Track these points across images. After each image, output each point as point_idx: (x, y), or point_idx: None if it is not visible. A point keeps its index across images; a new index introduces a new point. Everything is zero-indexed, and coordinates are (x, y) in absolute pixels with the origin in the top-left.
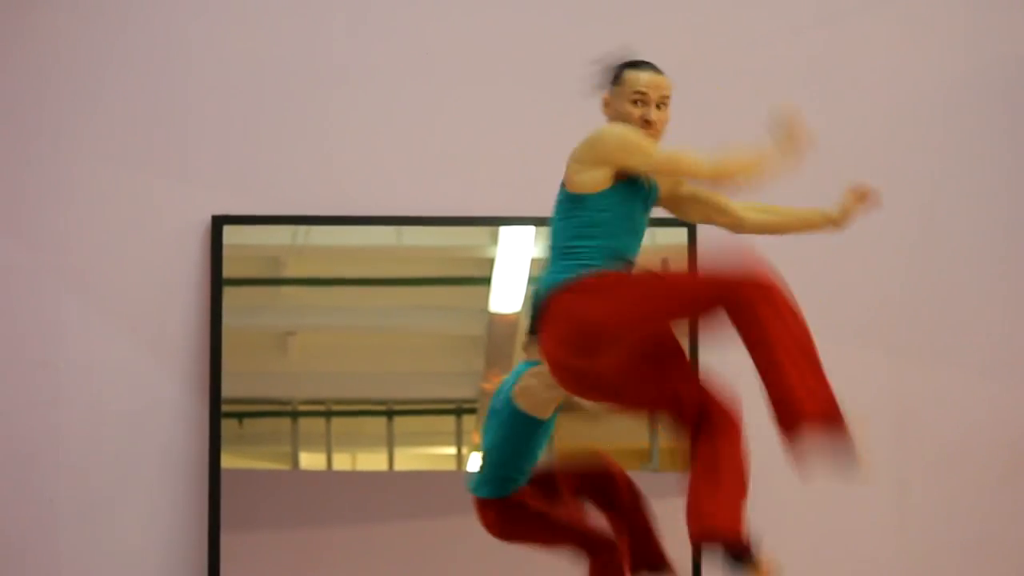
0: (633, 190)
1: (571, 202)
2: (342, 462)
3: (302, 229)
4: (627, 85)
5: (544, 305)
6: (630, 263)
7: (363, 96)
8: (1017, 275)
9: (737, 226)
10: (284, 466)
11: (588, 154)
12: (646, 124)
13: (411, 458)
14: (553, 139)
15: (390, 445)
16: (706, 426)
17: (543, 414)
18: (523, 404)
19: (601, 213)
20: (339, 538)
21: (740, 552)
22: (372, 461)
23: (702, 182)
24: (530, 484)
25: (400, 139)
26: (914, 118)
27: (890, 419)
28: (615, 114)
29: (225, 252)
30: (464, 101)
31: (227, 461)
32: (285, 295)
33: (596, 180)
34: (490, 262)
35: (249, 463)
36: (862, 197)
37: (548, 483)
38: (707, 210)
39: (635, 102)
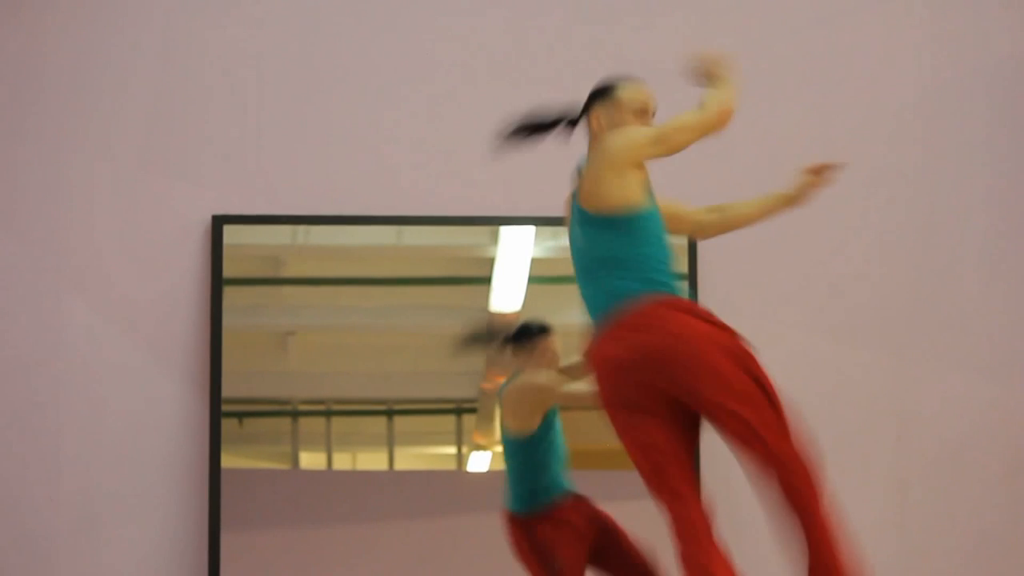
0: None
1: (599, 224)
2: (342, 462)
3: (302, 229)
4: (631, 100)
5: (627, 310)
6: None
7: (363, 96)
8: (1017, 275)
9: (698, 231)
10: (284, 466)
11: (618, 160)
12: None
13: (411, 458)
14: (553, 139)
15: (390, 445)
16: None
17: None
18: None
19: (644, 228)
20: (339, 538)
21: None
22: (372, 461)
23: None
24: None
25: (400, 139)
26: (915, 117)
27: (890, 419)
28: (612, 128)
29: (225, 252)
30: (464, 101)
31: (227, 460)
32: (285, 295)
33: (632, 186)
34: (490, 262)
35: (249, 463)
36: (818, 172)
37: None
38: (666, 223)
39: (638, 115)
